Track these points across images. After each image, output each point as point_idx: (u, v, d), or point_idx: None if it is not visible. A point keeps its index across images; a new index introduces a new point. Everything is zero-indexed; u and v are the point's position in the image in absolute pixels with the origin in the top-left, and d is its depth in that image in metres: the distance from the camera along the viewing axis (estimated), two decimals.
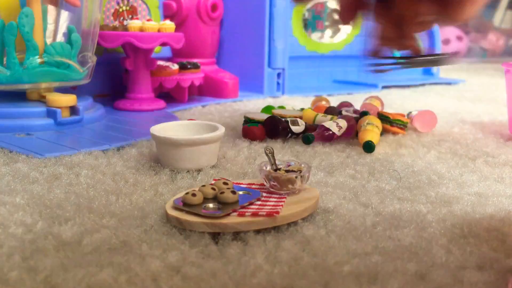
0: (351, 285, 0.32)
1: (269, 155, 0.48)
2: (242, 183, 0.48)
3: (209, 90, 1.17)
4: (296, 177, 0.44)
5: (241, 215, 0.40)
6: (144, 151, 0.64)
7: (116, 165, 0.57)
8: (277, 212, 0.40)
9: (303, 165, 0.47)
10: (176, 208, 0.41)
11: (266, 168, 0.46)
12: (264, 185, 0.46)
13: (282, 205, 0.42)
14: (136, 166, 0.57)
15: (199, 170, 0.56)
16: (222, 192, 0.42)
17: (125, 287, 0.31)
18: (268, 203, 0.42)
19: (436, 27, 1.56)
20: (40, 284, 0.32)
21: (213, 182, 0.45)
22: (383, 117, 0.78)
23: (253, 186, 0.47)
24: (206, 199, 0.42)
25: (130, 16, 1.08)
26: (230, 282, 0.32)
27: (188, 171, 0.55)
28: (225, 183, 0.44)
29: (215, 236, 0.39)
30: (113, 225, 0.41)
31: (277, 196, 0.45)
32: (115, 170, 0.55)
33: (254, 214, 0.40)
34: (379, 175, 0.56)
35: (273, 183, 0.45)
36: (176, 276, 0.33)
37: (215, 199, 0.42)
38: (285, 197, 0.44)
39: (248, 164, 0.60)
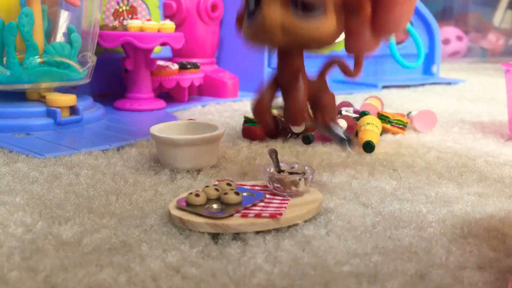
0: (351, 285, 0.32)
1: (273, 157, 0.48)
2: (245, 185, 0.48)
3: (209, 90, 1.17)
4: (299, 179, 0.45)
5: (244, 216, 0.40)
6: (144, 151, 0.64)
7: (116, 165, 0.57)
8: (280, 214, 0.40)
9: (306, 168, 0.47)
10: (179, 208, 0.41)
11: (270, 170, 0.47)
12: (268, 187, 0.47)
13: (285, 207, 0.42)
14: (136, 166, 0.57)
15: (199, 170, 0.56)
16: (226, 193, 0.42)
17: (125, 287, 0.31)
18: (271, 205, 0.43)
19: (435, 26, 1.56)
20: (40, 284, 0.32)
21: (216, 183, 0.45)
22: (383, 117, 0.78)
23: (257, 188, 0.47)
24: (209, 200, 0.42)
25: (130, 16, 1.08)
26: (230, 282, 0.32)
27: (188, 171, 0.55)
28: (228, 184, 0.44)
29: (215, 236, 0.39)
30: (113, 225, 0.41)
31: (281, 198, 0.45)
32: (115, 170, 0.55)
33: (257, 216, 0.40)
34: (379, 175, 0.56)
35: (276, 185, 0.45)
36: (176, 276, 0.33)
37: (218, 200, 0.42)
38: (288, 199, 0.44)
39: (248, 164, 0.60)
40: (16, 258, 0.35)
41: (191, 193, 0.42)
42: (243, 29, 0.45)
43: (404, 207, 0.46)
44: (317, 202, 0.44)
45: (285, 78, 0.46)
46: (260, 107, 0.48)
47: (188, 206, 0.41)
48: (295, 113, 0.46)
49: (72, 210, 0.44)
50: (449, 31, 2.60)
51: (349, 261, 0.35)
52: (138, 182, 0.52)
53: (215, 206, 0.41)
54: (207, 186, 0.43)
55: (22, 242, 0.37)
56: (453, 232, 0.40)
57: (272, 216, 0.40)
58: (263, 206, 0.42)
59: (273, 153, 0.48)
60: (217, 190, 0.43)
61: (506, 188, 0.52)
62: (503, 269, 0.34)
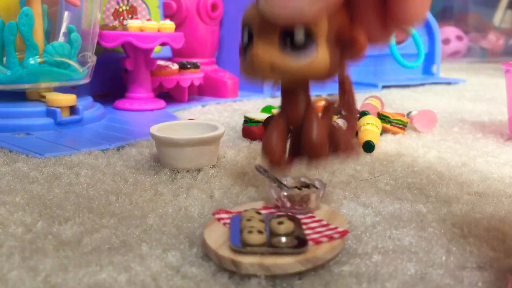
0: (351, 285, 0.32)
1: (273, 178, 0.44)
2: (268, 209, 0.42)
3: (209, 90, 1.17)
4: (311, 194, 0.41)
5: (318, 243, 0.35)
6: (144, 151, 0.64)
7: (116, 165, 0.57)
8: (345, 231, 0.37)
9: (316, 182, 0.43)
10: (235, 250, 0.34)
11: (277, 186, 0.42)
12: (278, 207, 0.42)
13: (329, 224, 0.39)
14: (136, 166, 0.57)
15: (199, 170, 0.56)
16: (281, 223, 0.36)
17: (125, 287, 0.31)
18: (311, 225, 0.39)
19: (435, 26, 1.56)
20: (40, 284, 0.32)
21: (245, 212, 0.39)
22: (383, 117, 0.78)
23: (272, 210, 0.42)
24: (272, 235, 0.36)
25: (130, 16, 1.08)
26: (230, 282, 0.32)
27: (188, 171, 0.55)
28: (258, 213, 0.38)
29: None
30: (113, 225, 0.41)
31: (304, 216, 0.40)
32: (115, 170, 0.55)
33: (330, 239, 0.36)
34: (379, 175, 0.56)
35: (286, 202, 0.41)
36: (176, 276, 0.33)
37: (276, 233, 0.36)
38: (314, 216, 0.40)
39: (248, 164, 0.60)
40: (16, 258, 0.35)
41: (250, 232, 0.35)
42: (240, 64, 0.42)
43: (404, 207, 0.46)
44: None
45: (295, 116, 0.42)
46: (272, 152, 0.42)
47: (245, 246, 0.34)
48: (316, 150, 0.41)
49: (72, 210, 0.44)
50: (449, 31, 2.60)
51: (349, 261, 0.35)
52: (138, 182, 0.52)
53: (283, 239, 0.35)
54: (249, 220, 0.37)
55: (22, 242, 0.37)
56: (453, 232, 0.40)
57: (343, 234, 0.36)
58: (313, 229, 0.38)
59: (269, 174, 0.44)
60: (261, 221, 0.37)
61: (506, 188, 0.52)
62: (503, 269, 0.34)
